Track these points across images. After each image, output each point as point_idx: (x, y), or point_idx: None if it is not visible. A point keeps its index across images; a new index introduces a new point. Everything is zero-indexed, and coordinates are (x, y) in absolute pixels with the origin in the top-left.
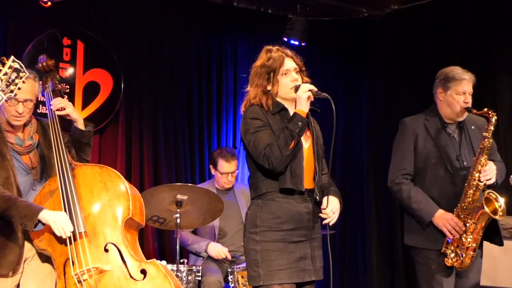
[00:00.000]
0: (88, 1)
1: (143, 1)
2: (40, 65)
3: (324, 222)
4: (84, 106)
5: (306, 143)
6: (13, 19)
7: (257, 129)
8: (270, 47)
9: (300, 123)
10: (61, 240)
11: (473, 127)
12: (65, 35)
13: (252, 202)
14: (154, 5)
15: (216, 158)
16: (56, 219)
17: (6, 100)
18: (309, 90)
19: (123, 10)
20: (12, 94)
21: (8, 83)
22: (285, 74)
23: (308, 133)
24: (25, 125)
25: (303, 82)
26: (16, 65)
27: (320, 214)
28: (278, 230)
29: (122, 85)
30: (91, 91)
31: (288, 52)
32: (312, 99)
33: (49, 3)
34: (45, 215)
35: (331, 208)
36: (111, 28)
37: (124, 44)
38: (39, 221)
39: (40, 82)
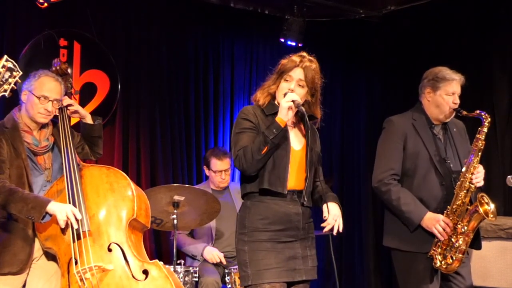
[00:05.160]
0: (85, 2)
1: (140, 2)
2: (54, 68)
3: (334, 232)
4: (81, 107)
5: (299, 146)
6: (9, 20)
7: (241, 130)
8: (303, 53)
9: (275, 131)
10: (66, 239)
11: (454, 129)
12: (61, 36)
13: (242, 204)
14: (151, 5)
15: (208, 158)
16: (62, 209)
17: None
18: (292, 101)
19: (120, 11)
20: (6, 94)
21: (1, 82)
22: (287, 80)
23: (302, 137)
24: (42, 126)
25: (301, 98)
26: (10, 64)
27: (322, 225)
28: (265, 230)
29: (119, 86)
30: (88, 92)
31: (307, 64)
32: (293, 110)
33: (46, 4)
34: (52, 206)
35: (333, 216)
36: (108, 29)
37: (121, 45)
38: (47, 212)
39: None
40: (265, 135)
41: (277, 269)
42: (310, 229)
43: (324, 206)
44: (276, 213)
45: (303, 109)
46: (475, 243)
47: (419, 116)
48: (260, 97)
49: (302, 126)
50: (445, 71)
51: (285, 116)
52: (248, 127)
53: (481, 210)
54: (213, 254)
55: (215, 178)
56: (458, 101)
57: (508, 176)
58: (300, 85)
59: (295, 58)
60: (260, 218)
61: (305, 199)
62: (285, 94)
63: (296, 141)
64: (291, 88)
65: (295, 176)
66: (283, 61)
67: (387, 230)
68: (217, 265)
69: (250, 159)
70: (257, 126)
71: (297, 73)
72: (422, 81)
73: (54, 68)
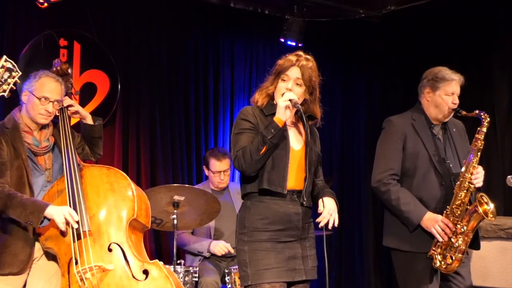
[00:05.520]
0: (85, 2)
1: (140, 2)
2: (54, 69)
3: (329, 226)
4: (81, 107)
5: (298, 146)
6: (9, 20)
7: (240, 130)
8: (300, 52)
9: (273, 130)
10: (66, 239)
11: (454, 129)
12: (61, 36)
13: (242, 204)
14: (151, 5)
15: (208, 158)
16: (60, 212)
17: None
18: (289, 100)
19: (120, 11)
20: (5, 94)
21: (0, 83)
22: (284, 80)
23: (301, 137)
24: (42, 127)
25: (300, 97)
26: (9, 65)
27: (317, 220)
28: (265, 230)
29: (119, 86)
30: (88, 92)
31: (303, 62)
32: (291, 109)
33: (46, 4)
34: (50, 210)
35: (328, 210)
36: (108, 29)
37: (121, 45)
38: (45, 217)
39: None
40: (263, 135)
41: (277, 269)
42: (310, 229)
43: (320, 200)
44: (276, 213)
45: (300, 107)
46: (474, 243)
47: (418, 116)
48: (259, 98)
49: (301, 126)
50: (445, 71)
51: (283, 115)
52: (247, 127)
53: (480, 210)
54: (219, 246)
55: (213, 179)
56: (457, 101)
57: (508, 176)
58: (297, 84)
59: (291, 57)
60: (260, 218)
61: (305, 199)
62: (283, 94)
63: (296, 141)
64: (289, 88)
65: (295, 176)
66: (280, 61)
67: (386, 230)
68: (224, 258)
69: (249, 160)
70: (256, 126)
71: (294, 72)
72: (421, 81)
73: (54, 69)
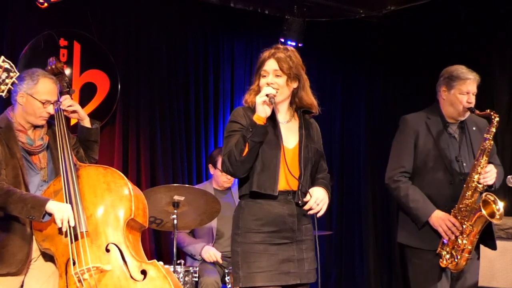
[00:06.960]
0: (85, 2)
1: (140, 2)
2: (49, 67)
3: (311, 213)
4: (81, 107)
5: (293, 143)
6: (9, 20)
7: (229, 133)
8: (278, 45)
9: (251, 129)
10: (63, 240)
11: (474, 128)
12: (61, 36)
13: (237, 204)
14: (151, 5)
15: (216, 157)
16: (61, 210)
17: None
18: (266, 95)
19: (120, 11)
20: (3, 94)
21: None
22: (264, 76)
23: (296, 134)
24: (36, 126)
25: (282, 87)
26: (6, 65)
27: (305, 207)
28: (258, 232)
29: (119, 86)
30: (88, 92)
31: (279, 55)
32: (268, 104)
33: (46, 4)
34: (51, 205)
35: (315, 200)
36: (108, 29)
37: (121, 45)
38: (46, 211)
39: None
40: (243, 134)
41: (268, 272)
42: (308, 231)
43: (310, 190)
44: (269, 214)
45: (274, 100)
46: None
47: (433, 115)
48: (248, 98)
49: (298, 123)
50: (460, 70)
51: (262, 112)
52: (237, 129)
53: (483, 212)
54: (209, 253)
55: (220, 177)
56: (472, 100)
57: (508, 176)
58: (277, 75)
59: (268, 50)
60: (253, 218)
61: (300, 198)
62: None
63: (291, 138)
64: (268, 82)
65: (289, 176)
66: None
67: (400, 226)
68: (215, 264)
69: (234, 162)
70: (243, 127)
71: (271, 64)
72: (438, 79)
73: (49, 67)
